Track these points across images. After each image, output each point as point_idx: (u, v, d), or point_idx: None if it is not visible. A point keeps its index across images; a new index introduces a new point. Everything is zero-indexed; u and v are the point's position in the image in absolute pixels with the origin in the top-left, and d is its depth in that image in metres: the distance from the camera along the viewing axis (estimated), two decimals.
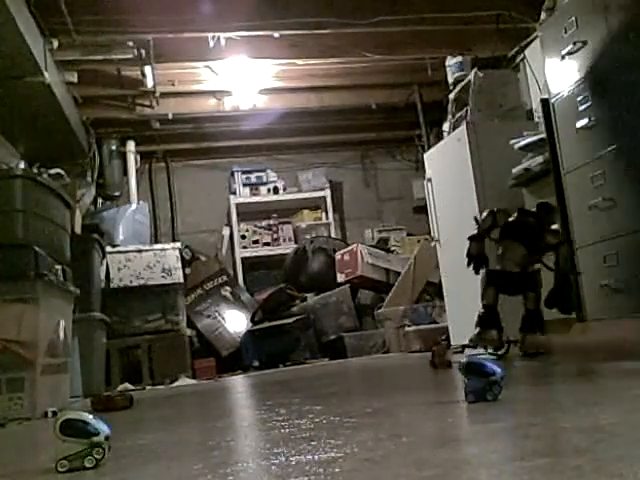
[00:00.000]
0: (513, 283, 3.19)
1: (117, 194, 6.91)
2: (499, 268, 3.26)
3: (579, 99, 3.51)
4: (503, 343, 3.30)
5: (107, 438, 1.32)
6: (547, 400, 1.66)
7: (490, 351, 3.32)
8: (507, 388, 2.03)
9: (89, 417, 1.36)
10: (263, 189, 7.17)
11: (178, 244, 6.42)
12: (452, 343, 4.78)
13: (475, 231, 3.37)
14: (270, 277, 7.08)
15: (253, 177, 7.18)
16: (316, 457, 1.10)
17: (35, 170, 4.99)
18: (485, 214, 3.41)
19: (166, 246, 6.27)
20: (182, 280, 6.14)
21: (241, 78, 6.26)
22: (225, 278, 6.71)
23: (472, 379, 1.58)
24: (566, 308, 3.19)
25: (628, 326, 3.04)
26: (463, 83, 5.09)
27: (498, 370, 1.58)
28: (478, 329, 3.27)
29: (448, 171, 4.89)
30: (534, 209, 3.45)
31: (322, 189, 7.40)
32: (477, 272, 3.34)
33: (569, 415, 1.31)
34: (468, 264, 3.37)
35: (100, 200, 6.76)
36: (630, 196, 3.22)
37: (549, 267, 3.24)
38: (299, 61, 6.09)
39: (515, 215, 3.34)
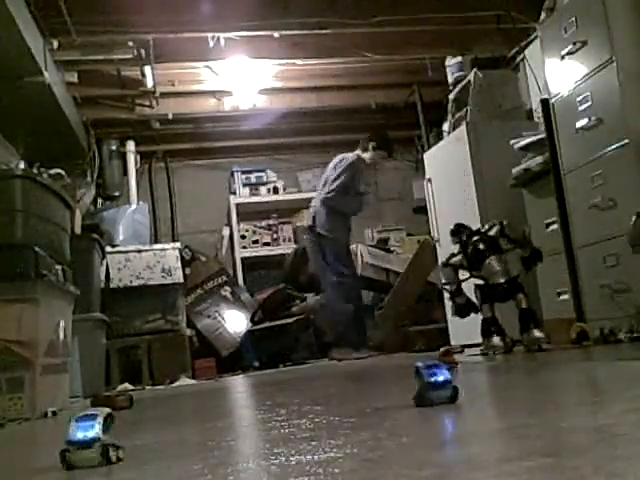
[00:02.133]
0: (502, 292, 3.47)
1: (117, 194, 6.90)
2: (489, 282, 3.48)
3: (579, 99, 3.51)
4: (508, 346, 3.42)
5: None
6: (547, 400, 1.66)
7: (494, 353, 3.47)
8: (507, 388, 2.04)
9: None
10: (263, 189, 7.17)
11: (178, 244, 6.42)
12: (452, 343, 4.78)
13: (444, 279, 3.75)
14: (270, 277, 7.07)
15: (253, 177, 7.18)
16: (316, 457, 1.10)
17: (35, 170, 4.98)
18: (446, 271, 3.72)
19: (166, 246, 6.27)
20: (182, 280, 6.14)
21: (241, 78, 6.27)
22: (225, 278, 6.71)
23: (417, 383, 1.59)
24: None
25: None
26: (463, 83, 5.10)
27: (431, 375, 1.54)
28: (484, 339, 3.49)
29: (448, 171, 4.89)
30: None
31: None
32: (468, 315, 3.67)
33: (569, 415, 1.31)
34: (454, 314, 3.72)
35: (100, 200, 6.76)
36: (630, 196, 3.22)
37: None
38: (299, 61, 6.10)
39: (475, 238, 3.61)
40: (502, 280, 3.46)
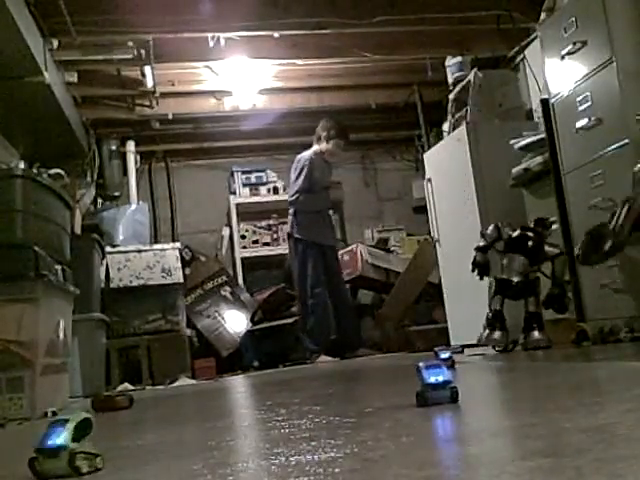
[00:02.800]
0: (516, 290, 3.52)
1: (117, 194, 6.90)
2: (505, 277, 3.54)
3: (579, 99, 3.52)
4: (507, 343, 3.46)
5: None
6: (546, 400, 1.66)
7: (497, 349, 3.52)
8: (507, 388, 2.04)
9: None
10: (263, 189, 7.17)
11: (178, 244, 6.42)
12: (452, 343, 4.78)
13: (481, 242, 3.74)
14: (270, 277, 7.08)
15: (253, 177, 7.18)
16: (316, 457, 1.10)
17: (35, 170, 4.98)
18: (491, 228, 3.74)
19: (166, 246, 6.27)
20: (182, 280, 6.14)
21: (241, 78, 6.26)
22: (225, 278, 6.71)
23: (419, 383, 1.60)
24: (561, 309, 3.58)
25: None
26: (463, 83, 5.10)
27: (431, 375, 1.54)
28: (487, 331, 3.52)
29: (448, 171, 4.89)
30: (532, 224, 3.73)
31: None
32: (481, 278, 3.72)
33: (569, 415, 1.31)
34: (473, 270, 3.74)
35: (100, 200, 6.75)
36: None
37: (547, 275, 3.61)
38: (299, 61, 6.10)
39: (518, 231, 3.66)
40: (517, 279, 3.50)
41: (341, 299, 5.63)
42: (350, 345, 5.51)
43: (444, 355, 3.02)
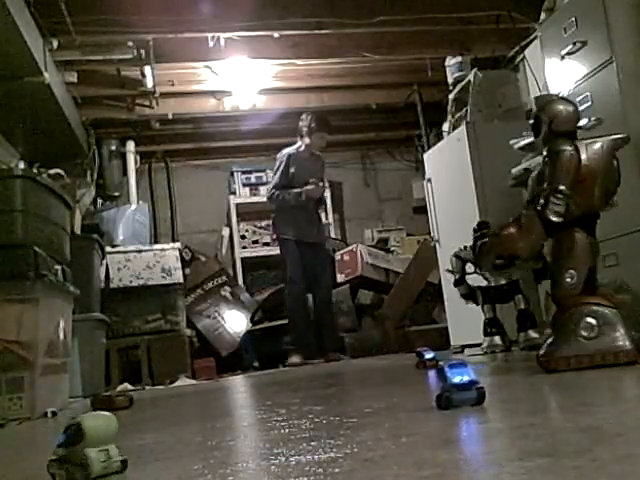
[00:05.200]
0: (503, 293, 3.49)
1: (117, 194, 6.91)
2: (488, 285, 3.53)
3: (579, 99, 3.52)
4: (508, 344, 3.47)
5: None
6: (546, 400, 1.66)
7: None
8: (506, 388, 2.04)
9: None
10: (263, 189, 7.16)
11: (178, 244, 6.43)
12: (452, 343, 4.79)
13: (455, 276, 3.66)
14: (270, 277, 7.08)
15: (253, 177, 7.19)
16: (316, 457, 1.10)
17: (35, 170, 4.99)
18: (454, 260, 3.66)
19: (166, 246, 6.28)
20: (182, 280, 6.14)
21: (241, 78, 6.26)
22: (225, 278, 6.71)
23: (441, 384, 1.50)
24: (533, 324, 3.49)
25: None
26: (463, 83, 5.09)
27: (456, 375, 1.44)
28: (487, 339, 3.53)
29: (448, 171, 4.89)
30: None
31: None
32: (477, 304, 3.61)
33: (568, 415, 1.31)
34: (467, 299, 3.67)
35: (100, 200, 6.76)
36: (630, 196, 3.22)
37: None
38: (299, 61, 6.10)
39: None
40: (503, 282, 3.49)
41: (319, 299, 5.54)
42: (324, 348, 5.43)
43: (428, 355, 3.03)
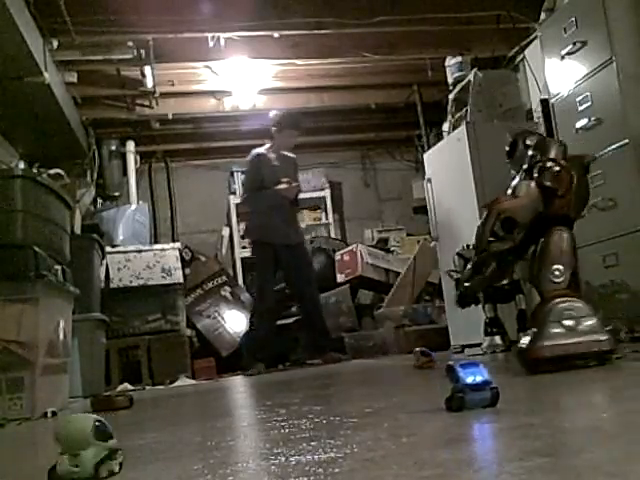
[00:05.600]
0: (505, 293, 3.49)
1: (117, 194, 6.91)
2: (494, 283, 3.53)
3: (579, 99, 3.52)
4: (507, 345, 3.47)
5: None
6: (546, 399, 1.66)
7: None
8: (506, 388, 2.03)
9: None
10: None
11: (178, 244, 6.43)
12: (452, 343, 4.78)
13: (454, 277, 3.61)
14: None
15: None
16: (316, 457, 1.10)
17: (35, 170, 4.99)
18: (456, 259, 3.64)
19: (166, 246, 6.28)
20: (182, 280, 6.14)
21: (241, 78, 6.26)
22: (225, 278, 6.71)
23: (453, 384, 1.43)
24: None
25: None
26: (463, 83, 5.09)
27: (468, 375, 1.38)
28: (487, 339, 3.52)
29: (448, 171, 4.89)
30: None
31: (322, 189, 7.41)
32: (477, 304, 3.57)
33: (568, 415, 1.31)
34: (462, 306, 3.53)
35: (100, 200, 6.76)
36: (630, 196, 3.22)
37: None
38: (299, 61, 6.09)
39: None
40: (504, 282, 3.49)
41: (304, 300, 5.36)
42: (317, 348, 5.32)
43: (427, 355, 3.03)
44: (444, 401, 1.43)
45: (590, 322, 2.12)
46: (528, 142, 2.45)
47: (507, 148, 2.56)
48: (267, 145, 5.51)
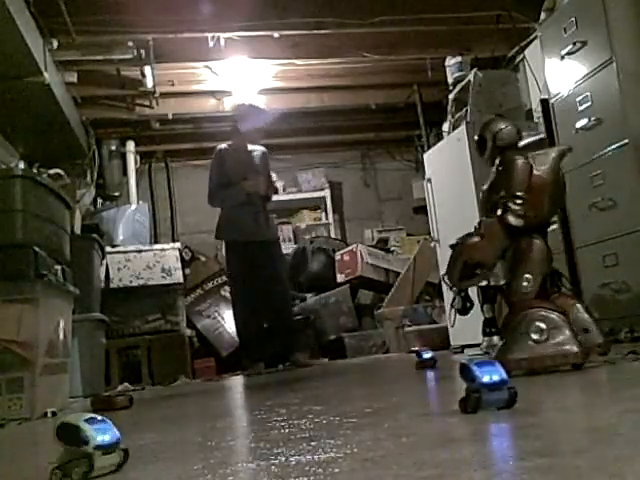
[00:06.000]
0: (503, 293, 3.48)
1: (117, 194, 6.91)
2: (489, 284, 3.49)
3: (579, 99, 3.52)
4: None
5: (98, 447, 1.15)
6: (546, 400, 1.66)
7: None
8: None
9: (86, 422, 1.21)
10: None
11: (178, 244, 6.42)
12: (452, 343, 4.78)
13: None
14: None
15: None
16: (316, 457, 1.10)
17: (35, 170, 4.99)
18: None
19: (166, 246, 6.27)
20: (182, 280, 6.14)
21: (241, 78, 6.26)
22: (225, 278, 6.70)
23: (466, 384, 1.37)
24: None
25: None
26: (463, 83, 5.09)
27: (484, 375, 1.32)
28: (486, 339, 3.51)
29: (448, 171, 4.89)
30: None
31: (322, 189, 7.41)
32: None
33: (568, 415, 1.31)
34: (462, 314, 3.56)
35: (100, 200, 6.76)
36: (630, 196, 3.22)
37: None
38: (299, 61, 6.09)
39: None
40: (503, 282, 3.48)
41: (273, 303, 5.06)
42: (285, 351, 5.21)
43: (426, 355, 3.02)
44: (458, 402, 1.38)
45: (560, 334, 2.08)
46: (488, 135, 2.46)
47: (475, 145, 2.58)
48: (232, 140, 5.28)
